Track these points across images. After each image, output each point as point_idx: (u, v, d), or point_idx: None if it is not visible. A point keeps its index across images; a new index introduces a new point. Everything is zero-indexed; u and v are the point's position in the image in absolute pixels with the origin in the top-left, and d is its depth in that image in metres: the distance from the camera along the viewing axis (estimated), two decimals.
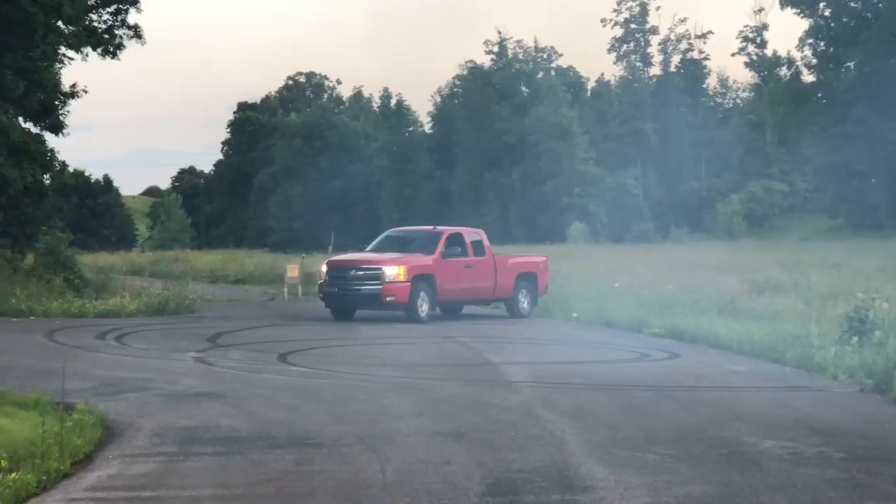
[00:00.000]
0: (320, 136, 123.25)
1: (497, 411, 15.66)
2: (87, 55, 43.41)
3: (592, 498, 10.52)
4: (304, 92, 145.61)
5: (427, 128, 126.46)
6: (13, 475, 10.80)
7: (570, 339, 27.77)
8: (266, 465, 11.86)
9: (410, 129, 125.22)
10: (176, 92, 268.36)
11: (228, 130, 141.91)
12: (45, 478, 11.05)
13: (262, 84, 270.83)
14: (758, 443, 13.50)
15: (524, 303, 34.72)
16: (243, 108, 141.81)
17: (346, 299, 32.41)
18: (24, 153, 41.49)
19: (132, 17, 43.42)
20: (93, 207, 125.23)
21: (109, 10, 43.55)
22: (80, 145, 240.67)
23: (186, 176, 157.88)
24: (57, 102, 42.66)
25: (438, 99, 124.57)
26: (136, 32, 43.79)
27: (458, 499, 10.35)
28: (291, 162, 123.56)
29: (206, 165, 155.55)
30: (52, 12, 36.87)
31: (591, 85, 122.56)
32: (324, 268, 33.60)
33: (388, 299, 31.39)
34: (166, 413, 15.10)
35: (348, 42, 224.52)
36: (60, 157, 43.92)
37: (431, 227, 35.71)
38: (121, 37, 43.71)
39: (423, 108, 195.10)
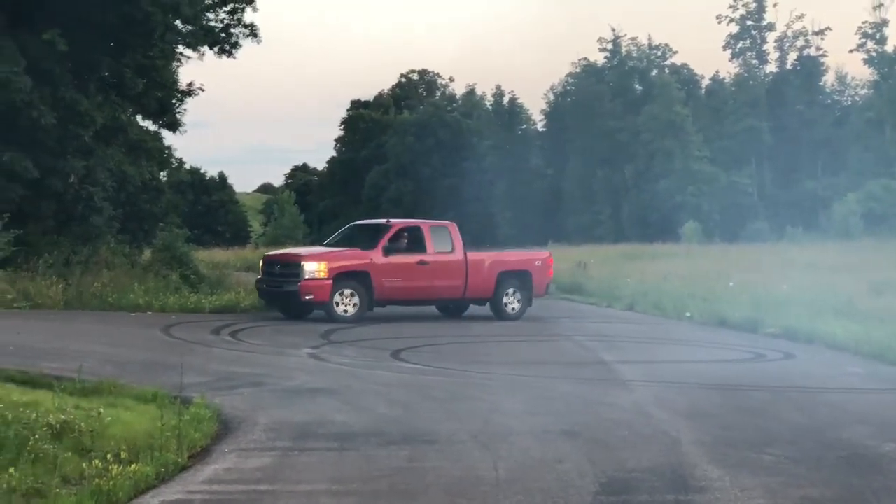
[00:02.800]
0: (433, 134, 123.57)
1: (610, 410, 15.59)
2: (203, 54, 43.95)
3: (707, 499, 10.44)
4: (417, 89, 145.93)
5: (539, 126, 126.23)
6: (133, 467, 10.96)
7: (683, 338, 27.57)
8: (379, 461, 11.91)
9: (523, 126, 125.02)
10: (290, 89, 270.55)
11: (341, 128, 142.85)
12: (163, 470, 11.20)
13: (375, 81, 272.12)
14: (878, 446, 13.31)
15: (513, 303, 32.12)
16: (356, 105, 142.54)
17: (272, 296, 31.20)
18: (143, 150, 42.18)
19: (248, 15, 43.94)
20: (208, 204, 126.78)
21: (226, 9, 43.99)
22: (196, 143, 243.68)
23: (300, 173, 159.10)
24: (174, 101, 43.26)
25: (551, 97, 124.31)
26: (252, 31, 44.19)
27: (571, 497, 10.33)
28: (404, 159, 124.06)
29: (320, 162, 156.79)
30: (170, 12, 37.37)
31: (705, 82, 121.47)
32: (261, 262, 32.86)
33: (305, 297, 29.61)
34: (281, 408, 15.23)
35: (461, 39, 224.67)
36: (177, 154, 44.68)
37: (385, 220, 33.47)
38: (237, 35, 44.14)
39: (535, 106, 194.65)
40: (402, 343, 24.55)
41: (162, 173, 49.03)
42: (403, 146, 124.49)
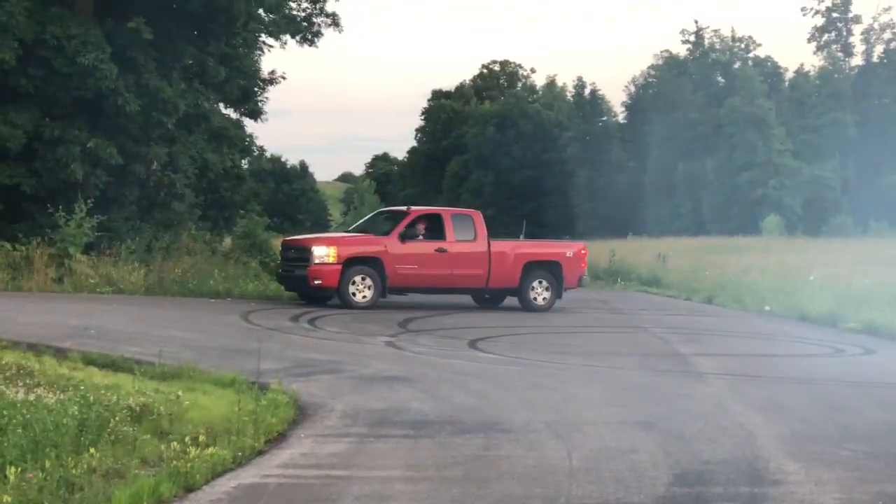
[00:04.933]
0: (514, 125, 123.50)
1: (686, 402, 15.55)
2: (285, 42, 44.23)
3: (782, 492, 10.39)
4: (497, 80, 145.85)
5: (620, 117, 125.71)
6: (210, 450, 11.07)
7: (762, 332, 27.41)
8: (454, 449, 11.95)
9: (604, 118, 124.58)
10: (371, 79, 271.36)
11: (422, 118, 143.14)
12: (240, 454, 11.29)
13: (456, 72, 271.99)
14: None
15: (542, 295, 31.68)
16: (437, 95, 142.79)
17: (287, 281, 31.22)
18: (224, 138, 42.48)
19: (330, 4, 44.13)
20: (289, 192, 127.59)
21: None
22: (278, 131, 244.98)
23: (380, 162, 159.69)
24: (256, 89, 43.57)
25: (632, 88, 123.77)
26: (334, 20, 44.40)
27: (645, 487, 10.32)
28: (484, 150, 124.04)
29: (400, 152, 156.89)
30: (253, 1, 37.63)
31: (789, 75, 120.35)
32: (280, 247, 33.00)
33: (314, 282, 29.64)
34: (357, 395, 15.32)
35: (544, 30, 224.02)
36: (258, 142, 45.04)
37: (406, 207, 33.23)
38: (319, 24, 44.37)
39: (616, 98, 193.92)
40: (480, 333, 24.59)
41: (243, 161, 49.23)
42: (484, 137, 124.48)
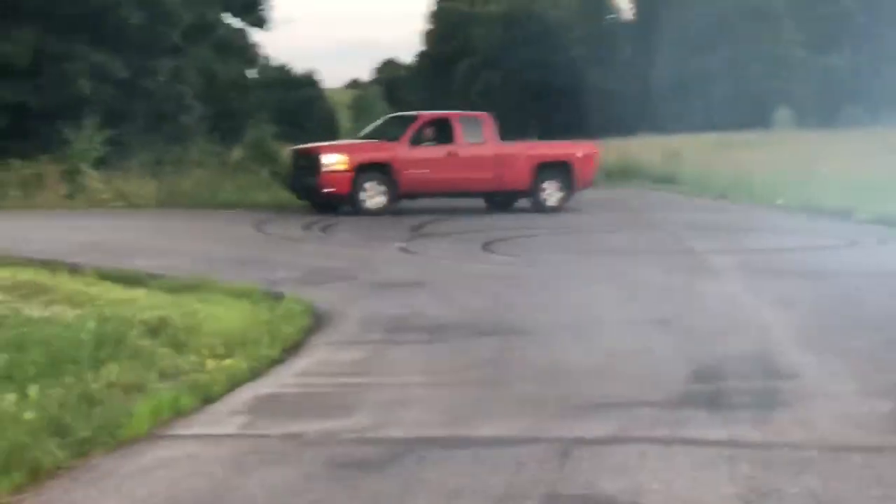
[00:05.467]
0: (520, 26, 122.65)
1: (701, 299, 15.56)
2: None
3: (797, 384, 10.41)
4: None
5: (629, 14, 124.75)
6: (227, 361, 11.13)
7: (775, 226, 27.39)
8: (470, 353, 11.97)
9: (612, 16, 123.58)
10: None
11: (429, 21, 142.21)
12: (256, 364, 11.33)
13: None
14: None
15: (553, 196, 31.73)
16: None
17: (298, 189, 31.44)
18: (231, 49, 42.31)
19: None
20: (296, 101, 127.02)
21: None
22: (283, 39, 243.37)
23: (388, 67, 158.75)
24: None
25: None
26: None
27: (662, 384, 10.35)
28: (492, 52, 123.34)
29: (408, 56, 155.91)
30: None
31: None
32: (291, 156, 33.20)
33: (325, 190, 29.83)
34: (372, 301, 15.35)
35: None
36: (264, 51, 44.77)
37: (415, 112, 33.38)
38: None
39: None
40: (493, 235, 24.61)
41: (250, 71, 49.09)
42: (491, 38, 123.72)
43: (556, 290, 16.50)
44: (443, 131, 31.30)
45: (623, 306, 14.93)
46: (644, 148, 55.00)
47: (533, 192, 31.78)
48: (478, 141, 31.37)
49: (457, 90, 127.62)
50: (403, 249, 22.02)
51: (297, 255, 20.95)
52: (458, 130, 31.33)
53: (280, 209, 31.84)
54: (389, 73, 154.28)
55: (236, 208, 31.97)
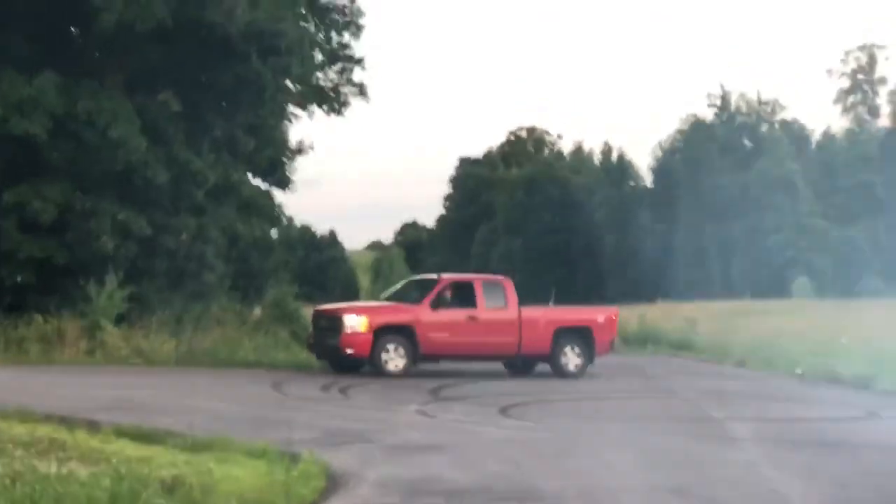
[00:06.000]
0: (541, 190, 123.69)
1: (720, 468, 15.43)
2: (313, 112, 44.52)
3: None
4: (525, 146, 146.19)
5: (648, 182, 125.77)
6: None
7: (795, 395, 27.25)
8: None
9: (632, 183, 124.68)
10: (399, 148, 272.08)
11: (450, 185, 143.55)
12: None
13: (483, 139, 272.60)
14: None
15: (574, 361, 31.56)
16: (465, 163, 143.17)
17: (318, 350, 31.44)
18: (254, 208, 42.66)
19: (357, 74, 44.49)
20: (318, 261, 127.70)
21: (335, 68, 44.57)
22: (307, 201, 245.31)
23: (409, 230, 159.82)
24: (284, 159, 43.78)
25: (660, 153, 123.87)
26: (361, 90, 44.71)
27: None
28: (513, 216, 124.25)
29: (429, 220, 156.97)
30: (281, 73, 37.93)
31: (815, 137, 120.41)
32: (311, 317, 33.22)
33: (347, 351, 29.89)
34: (389, 464, 15.25)
35: (569, 96, 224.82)
36: (287, 212, 45.20)
37: (437, 274, 33.36)
38: (346, 94, 44.67)
39: (644, 162, 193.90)
40: (511, 400, 24.50)
41: (273, 231, 49.44)
42: (512, 203, 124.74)
43: (574, 455, 16.38)
44: (464, 295, 31.38)
45: (640, 474, 14.80)
46: (662, 314, 55.08)
47: (553, 356, 31.69)
48: (499, 305, 31.40)
49: (476, 253, 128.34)
50: (421, 412, 21.92)
51: (314, 415, 20.87)
52: (480, 294, 31.39)
53: (299, 369, 31.80)
54: (410, 236, 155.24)
55: (255, 368, 31.95)
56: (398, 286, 34.88)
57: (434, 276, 33.21)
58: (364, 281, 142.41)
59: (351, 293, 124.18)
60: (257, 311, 42.52)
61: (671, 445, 17.73)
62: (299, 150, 44.38)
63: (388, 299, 33.01)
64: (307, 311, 37.13)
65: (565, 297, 67.40)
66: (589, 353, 31.87)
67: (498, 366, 32.65)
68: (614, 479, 14.32)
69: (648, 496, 13.19)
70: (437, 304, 30.79)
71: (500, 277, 33.23)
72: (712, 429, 20.08)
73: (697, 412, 23.02)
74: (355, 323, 30.01)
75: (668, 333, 48.20)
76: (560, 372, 31.49)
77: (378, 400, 24.30)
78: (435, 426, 19.89)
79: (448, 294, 31.17)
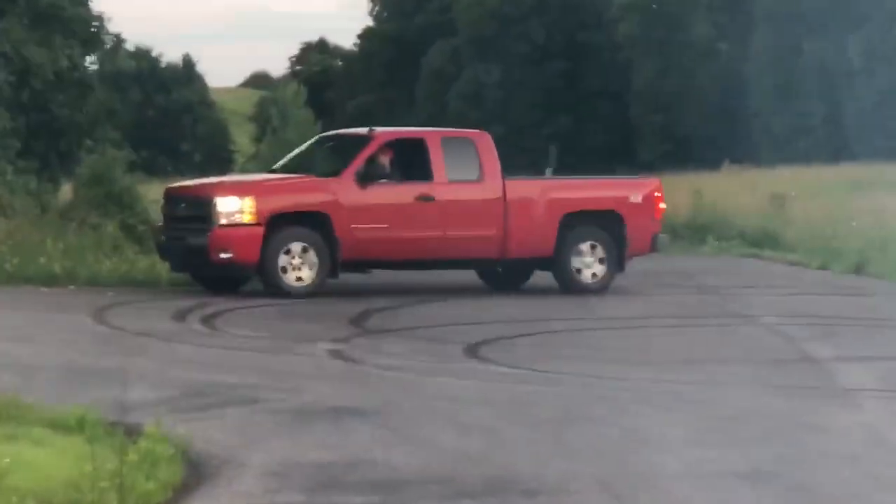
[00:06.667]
0: None
1: (823, 438, 15.60)
2: None
3: None
4: None
5: None
6: None
7: None
8: None
9: None
10: None
11: None
12: None
13: None
14: None
15: (591, 267, 31.48)
16: None
17: (174, 254, 31.08)
18: (57, 21, 42.32)
19: None
20: (165, 107, 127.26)
21: None
22: (144, 6, 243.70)
23: (314, 55, 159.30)
24: None
25: None
26: None
27: None
28: (485, 29, 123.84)
29: (346, 36, 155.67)
30: None
31: None
32: (162, 200, 32.70)
33: (221, 255, 29.45)
34: (286, 440, 15.33)
35: None
36: (112, 27, 44.55)
37: (368, 129, 32.62)
38: None
39: None
40: (484, 332, 24.66)
41: (90, 58, 49.02)
42: (483, 8, 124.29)
43: (587, 421, 16.52)
44: (412, 161, 31.14)
45: (696, 449, 14.93)
46: (731, 187, 55.22)
47: (558, 260, 31.43)
48: (468, 177, 31.30)
49: (426, 93, 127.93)
50: (337, 353, 22.00)
51: (163, 362, 20.92)
52: (438, 159, 31.06)
53: (137, 287, 31.78)
54: (316, 65, 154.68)
55: (65, 284, 31.90)
56: (302, 149, 34.71)
57: (361, 130, 33.04)
58: (242, 139, 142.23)
59: (221, 161, 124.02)
60: (66, 191, 42.35)
61: (745, 403, 17.90)
62: None
63: (286, 170, 32.73)
64: (150, 191, 37.05)
65: (573, 162, 67.45)
66: (616, 255, 31.65)
67: (467, 277, 32.65)
68: (653, 459, 14.46)
69: (710, 485, 13.32)
70: (368, 176, 30.45)
71: (470, 132, 33.23)
72: (808, 375, 20.30)
73: (787, 349, 23.23)
74: (235, 208, 29.70)
75: (741, 219, 48.36)
76: (570, 284, 31.47)
77: (267, 335, 24.44)
78: (360, 377, 20.03)
79: (385, 160, 30.87)
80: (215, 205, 29.73)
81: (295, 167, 32.69)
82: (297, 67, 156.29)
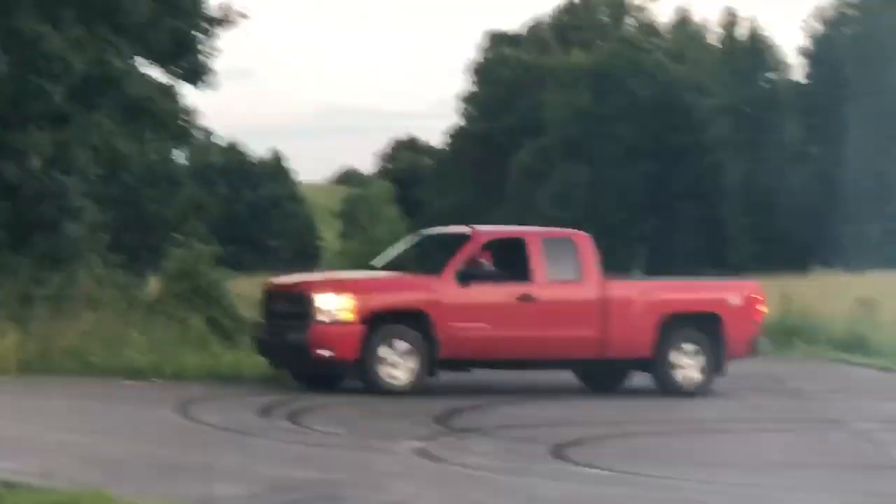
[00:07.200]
0: (620, 88, 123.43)
1: None
2: None
3: None
4: (592, 14, 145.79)
5: (798, 75, 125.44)
6: None
7: None
8: None
9: (771, 75, 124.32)
10: (384, 17, 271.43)
11: (472, 78, 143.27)
12: None
13: (526, 4, 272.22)
14: None
15: (690, 369, 31.24)
16: (496, 41, 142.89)
17: (273, 351, 31.05)
18: (147, 115, 42.52)
19: None
20: (253, 202, 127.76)
21: None
22: (235, 102, 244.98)
23: (403, 152, 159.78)
24: (198, 34, 43.56)
25: (818, 27, 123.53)
26: None
27: None
28: (574, 130, 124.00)
29: (435, 134, 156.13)
30: None
31: None
32: (262, 296, 32.51)
33: (320, 352, 29.35)
34: None
35: None
36: (203, 121, 44.77)
37: (468, 227, 32.47)
38: None
39: (791, 43, 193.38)
40: (570, 432, 24.58)
41: (179, 152, 49.33)
42: (573, 108, 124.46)
43: None
44: (512, 260, 30.95)
45: None
46: (820, 291, 54.98)
47: (657, 361, 31.22)
48: (568, 276, 31.24)
49: (514, 192, 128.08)
50: (422, 452, 21.94)
51: (249, 457, 20.91)
52: (538, 259, 30.92)
53: (222, 381, 31.82)
54: (405, 162, 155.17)
55: (149, 378, 31.98)
56: (401, 245, 34.70)
57: (462, 228, 32.88)
58: (329, 235, 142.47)
59: (308, 257, 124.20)
60: (153, 285, 42.51)
61: None
62: (224, 20, 44.23)
63: (385, 267, 32.71)
64: (236, 286, 37.10)
65: (662, 263, 67.36)
66: (716, 357, 31.44)
67: (563, 378, 32.55)
68: None
69: None
70: (468, 275, 30.32)
71: (571, 232, 33.13)
72: None
73: (880, 455, 23.07)
74: (335, 306, 29.63)
75: (829, 323, 48.17)
76: (668, 386, 31.32)
77: (352, 432, 24.35)
78: (446, 476, 19.95)
79: (485, 259, 30.78)
80: (315, 302, 29.70)
81: (394, 264, 32.53)
82: (387, 165, 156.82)
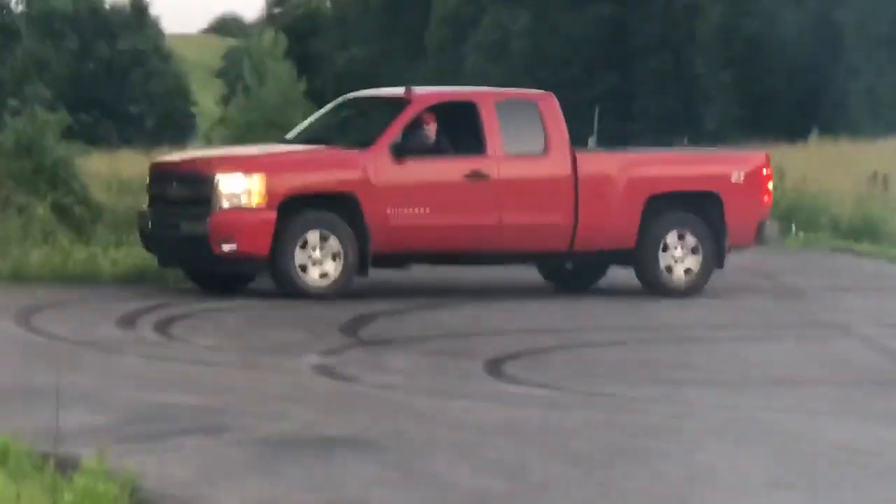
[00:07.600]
0: None
1: None
2: None
3: None
4: None
5: None
6: None
7: None
8: None
9: None
10: None
11: None
12: None
13: None
14: None
15: (681, 262, 31.53)
16: None
17: (163, 246, 31.07)
18: None
19: None
20: (109, 59, 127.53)
21: None
22: None
23: None
24: None
25: None
26: None
27: None
28: None
29: None
30: None
31: None
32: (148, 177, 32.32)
33: (223, 247, 29.47)
34: (261, 478, 15.32)
35: None
36: None
37: (405, 88, 32.29)
38: None
39: None
40: (506, 343, 24.67)
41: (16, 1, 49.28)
42: None
43: (640, 457, 16.49)
44: (460, 129, 31.00)
45: (783, 494, 14.90)
46: (822, 163, 55.24)
47: (642, 252, 31.36)
48: (532, 150, 31.27)
49: (437, 42, 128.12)
50: (324, 370, 21.98)
51: (107, 377, 20.94)
52: (493, 128, 30.85)
53: (73, 283, 31.82)
54: (299, 7, 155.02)
55: None
56: (321, 114, 34.52)
57: (396, 91, 32.92)
58: (205, 100, 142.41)
59: (180, 127, 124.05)
60: None
61: (842, 434, 17.87)
62: None
63: (301, 141, 32.61)
64: (90, 165, 37.05)
65: (622, 130, 67.43)
66: (714, 247, 31.60)
67: (524, 277, 32.56)
68: None
69: None
70: (406, 149, 30.27)
71: (530, 93, 33.68)
72: None
73: (889, 367, 23.21)
74: (241, 188, 29.64)
75: (833, 204, 48.37)
76: (656, 284, 31.58)
77: (236, 345, 24.44)
78: (354, 398, 20.02)
79: (427, 128, 30.69)
80: (216, 183, 29.64)
81: (313, 137, 32.41)
82: (275, 11, 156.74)
